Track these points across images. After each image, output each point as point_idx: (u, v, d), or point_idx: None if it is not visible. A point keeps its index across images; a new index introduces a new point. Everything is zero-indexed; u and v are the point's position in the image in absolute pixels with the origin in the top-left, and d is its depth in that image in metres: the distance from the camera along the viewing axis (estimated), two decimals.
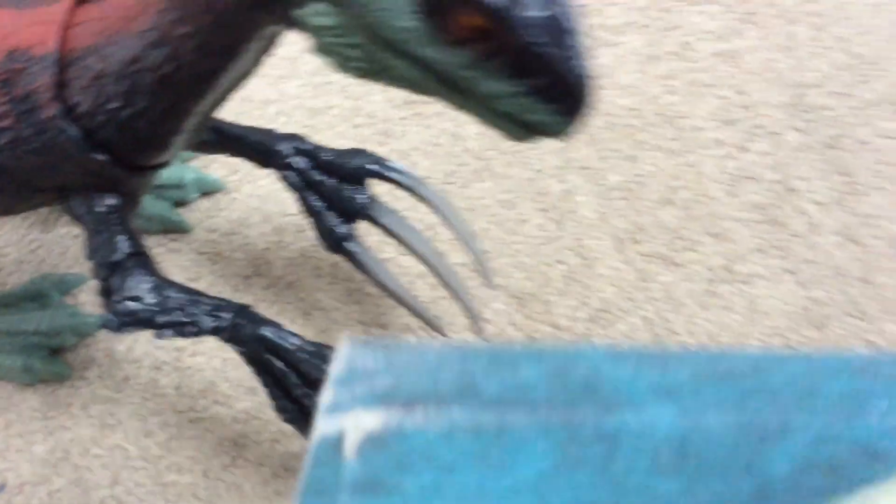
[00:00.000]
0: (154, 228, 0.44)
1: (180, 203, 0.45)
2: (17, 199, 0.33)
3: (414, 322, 0.41)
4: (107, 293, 0.31)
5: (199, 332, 0.31)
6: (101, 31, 0.27)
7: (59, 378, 0.41)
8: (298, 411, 0.32)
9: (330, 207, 0.37)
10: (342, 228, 0.37)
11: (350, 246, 0.38)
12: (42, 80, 0.27)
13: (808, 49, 0.51)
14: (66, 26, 0.27)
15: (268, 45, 0.28)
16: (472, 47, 0.22)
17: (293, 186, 0.37)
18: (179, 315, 0.30)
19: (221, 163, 0.46)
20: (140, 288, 0.31)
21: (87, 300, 0.43)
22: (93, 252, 0.32)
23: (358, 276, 0.42)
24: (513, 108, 0.23)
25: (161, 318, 0.30)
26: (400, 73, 0.23)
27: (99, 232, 0.31)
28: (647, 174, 0.46)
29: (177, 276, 0.43)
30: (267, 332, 0.31)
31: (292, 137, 0.38)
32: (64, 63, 0.27)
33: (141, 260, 0.32)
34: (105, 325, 0.31)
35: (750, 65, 0.51)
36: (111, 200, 0.31)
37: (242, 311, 0.32)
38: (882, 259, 0.43)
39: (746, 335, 0.41)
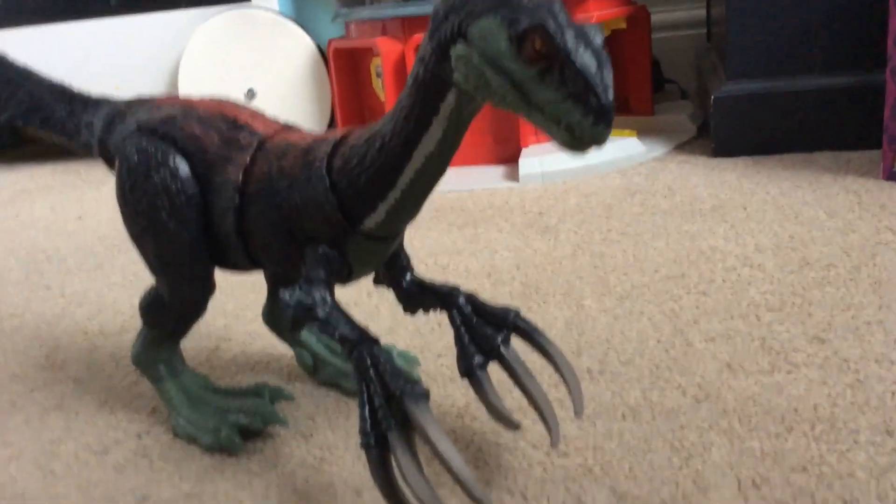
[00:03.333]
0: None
1: None
2: (282, 245, 0.47)
3: None
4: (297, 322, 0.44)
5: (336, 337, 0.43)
6: (355, 135, 0.45)
7: (229, 449, 0.52)
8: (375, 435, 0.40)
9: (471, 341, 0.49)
10: (478, 359, 0.49)
11: (479, 374, 0.48)
12: (323, 151, 0.45)
13: None
14: (341, 137, 0.46)
15: (452, 127, 0.39)
16: (536, 64, 0.34)
17: (453, 321, 0.50)
18: (332, 319, 0.43)
19: None
20: (316, 299, 0.44)
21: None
22: (300, 283, 0.44)
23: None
24: (558, 111, 0.34)
25: (321, 315, 0.43)
26: (494, 86, 0.36)
27: (310, 273, 0.45)
28: None
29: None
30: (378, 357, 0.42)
31: (457, 289, 0.51)
32: (334, 147, 0.45)
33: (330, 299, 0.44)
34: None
35: None
36: (329, 251, 0.45)
37: (367, 340, 0.42)
38: None
39: None
